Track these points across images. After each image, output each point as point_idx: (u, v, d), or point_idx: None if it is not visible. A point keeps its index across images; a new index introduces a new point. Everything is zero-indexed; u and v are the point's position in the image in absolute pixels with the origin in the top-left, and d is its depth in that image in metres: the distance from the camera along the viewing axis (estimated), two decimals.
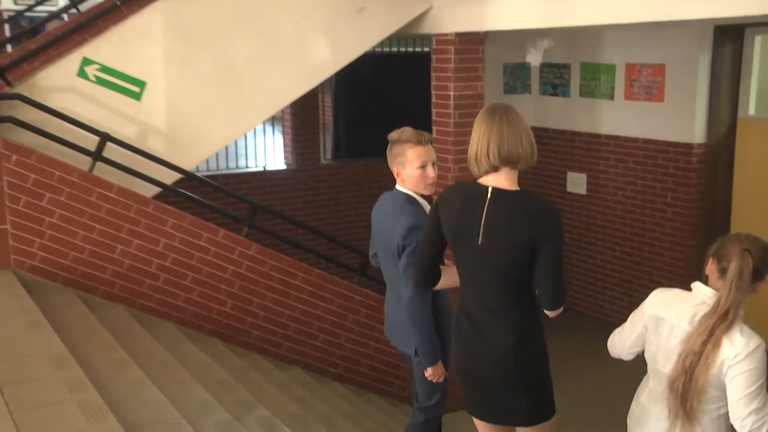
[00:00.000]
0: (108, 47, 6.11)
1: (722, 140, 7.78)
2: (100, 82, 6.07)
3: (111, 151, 5.93)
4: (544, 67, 9.37)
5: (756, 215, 7.62)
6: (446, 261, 3.89)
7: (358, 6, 6.63)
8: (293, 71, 6.63)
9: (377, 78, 10.76)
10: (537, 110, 9.56)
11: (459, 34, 6.54)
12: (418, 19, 6.85)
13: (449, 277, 3.78)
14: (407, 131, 4.20)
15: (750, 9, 4.56)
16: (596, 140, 8.90)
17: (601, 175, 8.91)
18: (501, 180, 3.35)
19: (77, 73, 6.02)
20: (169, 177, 6.29)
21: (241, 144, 10.38)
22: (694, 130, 7.85)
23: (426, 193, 4.26)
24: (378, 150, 11.07)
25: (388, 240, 4.22)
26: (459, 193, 3.49)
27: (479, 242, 3.34)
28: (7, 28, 10.22)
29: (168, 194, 6.55)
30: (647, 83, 8.19)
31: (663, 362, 3.29)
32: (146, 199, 5.95)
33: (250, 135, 9.83)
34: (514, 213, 3.30)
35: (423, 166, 4.17)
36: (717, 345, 3.06)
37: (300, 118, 10.64)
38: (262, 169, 10.57)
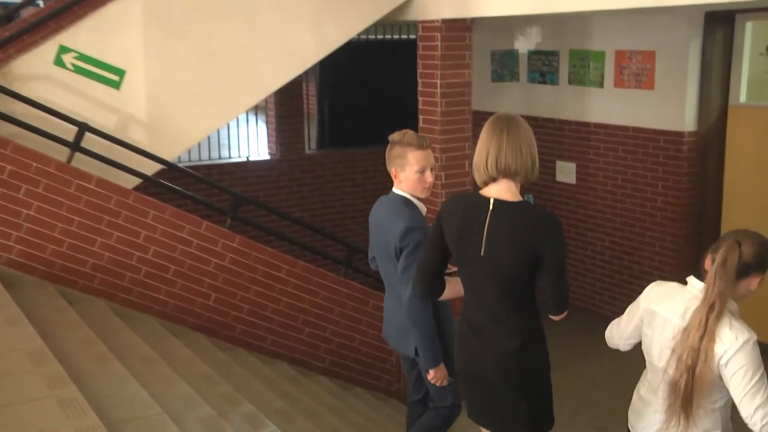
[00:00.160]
0: (86, 35, 6.04)
1: (713, 128, 7.76)
2: (77, 70, 6.02)
3: (90, 141, 5.88)
4: (533, 54, 9.33)
5: (747, 203, 7.58)
6: (450, 267, 3.88)
7: None
8: (276, 59, 6.58)
9: (363, 66, 10.73)
10: (525, 98, 9.52)
11: (445, 21, 6.49)
12: (404, 6, 6.80)
13: (453, 287, 3.80)
14: (409, 134, 4.28)
15: None
16: (586, 129, 8.86)
17: (591, 164, 8.87)
18: (502, 191, 3.39)
19: (54, 61, 5.96)
20: (150, 168, 6.24)
21: (223, 134, 10.35)
22: (685, 118, 7.82)
23: (422, 196, 4.34)
24: (364, 139, 11.06)
25: (386, 242, 4.28)
26: (462, 204, 3.54)
27: (482, 253, 3.38)
28: None
29: (149, 185, 6.53)
30: (637, 70, 8.15)
31: (657, 356, 3.30)
32: (126, 190, 5.89)
33: (233, 125, 9.80)
34: (515, 224, 3.34)
35: (422, 171, 4.24)
36: (712, 339, 3.06)
37: (284, 107, 10.57)
38: (245, 159, 10.50)
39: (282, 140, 10.57)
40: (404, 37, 11.02)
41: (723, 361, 3.05)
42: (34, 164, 5.57)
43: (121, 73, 6.09)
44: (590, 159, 8.86)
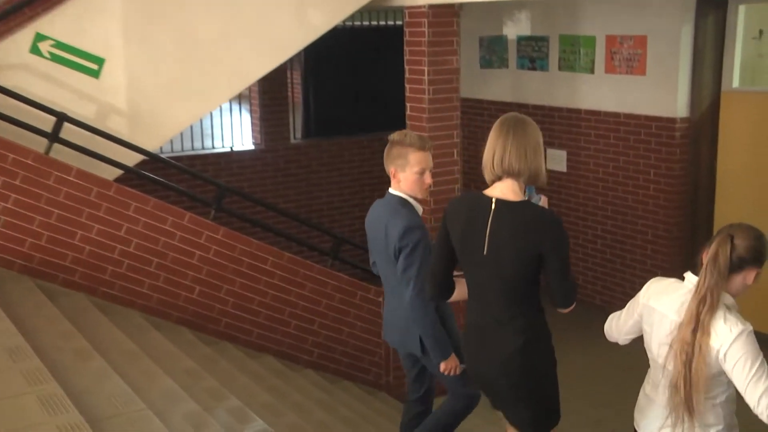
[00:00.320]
0: (63, 22, 5.97)
1: (706, 114, 7.71)
2: (55, 59, 5.94)
3: (69, 132, 5.83)
4: (522, 40, 9.26)
5: (740, 190, 7.55)
6: (457, 269, 3.91)
7: None
8: (260, 46, 6.53)
9: (348, 53, 10.65)
10: (515, 85, 9.48)
11: (432, 6, 6.42)
12: None
13: (461, 289, 3.82)
14: (411, 135, 4.35)
15: None
16: (576, 115, 8.83)
17: (582, 151, 8.83)
18: (506, 191, 3.47)
19: (30, 49, 5.89)
20: (132, 159, 6.21)
21: (206, 123, 10.24)
22: (677, 104, 7.78)
23: (420, 197, 4.42)
24: (350, 128, 10.96)
25: (386, 244, 4.32)
26: (465, 204, 3.64)
27: (484, 252, 3.46)
28: None
29: (131, 177, 6.52)
30: (628, 56, 8.10)
31: (656, 352, 3.33)
32: (107, 182, 5.84)
33: (216, 114, 9.71)
34: (517, 224, 3.42)
35: (422, 172, 4.30)
36: (706, 333, 3.08)
37: (268, 96, 10.46)
38: (229, 149, 10.38)
39: (266, 130, 10.47)
40: (390, 23, 10.94)
41: (721, 355, 3.06)
42: (11, 156, 5.51)
43: (100, 61, 6.01)
44: (581, 146, 8.82)
